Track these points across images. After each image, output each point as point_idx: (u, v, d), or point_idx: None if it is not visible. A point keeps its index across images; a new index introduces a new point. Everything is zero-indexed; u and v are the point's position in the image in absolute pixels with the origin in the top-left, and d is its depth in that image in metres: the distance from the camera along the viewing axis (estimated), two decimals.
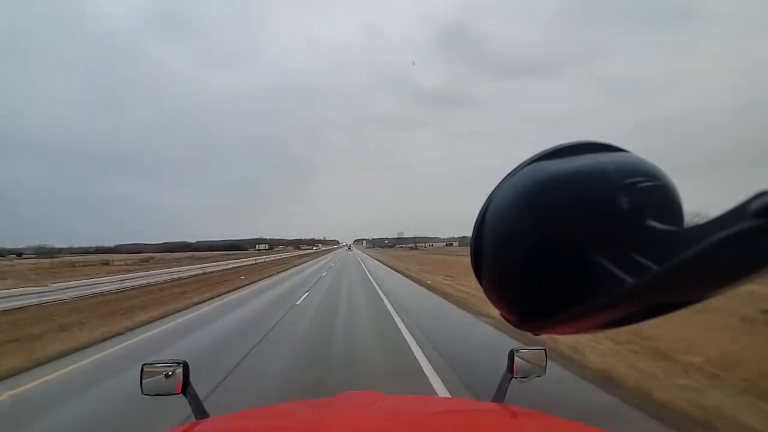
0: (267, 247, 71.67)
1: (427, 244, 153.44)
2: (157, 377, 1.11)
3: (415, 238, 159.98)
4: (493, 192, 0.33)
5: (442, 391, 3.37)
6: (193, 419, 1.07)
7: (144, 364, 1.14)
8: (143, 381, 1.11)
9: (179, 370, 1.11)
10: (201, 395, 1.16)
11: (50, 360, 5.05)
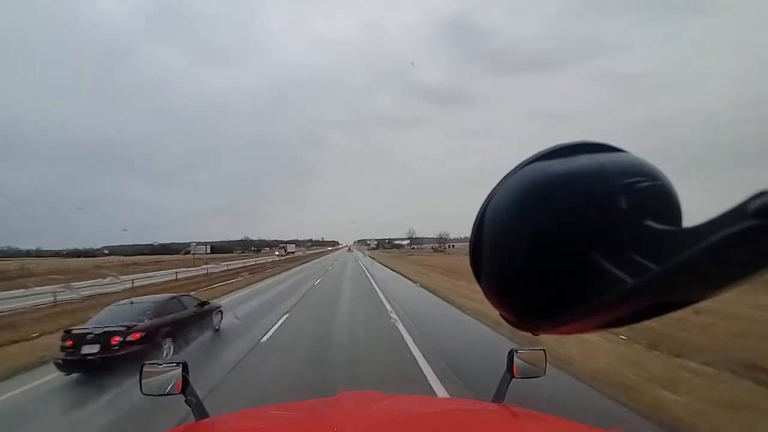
0: (206, 251, 47.55)
1: (449, 245, 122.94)
2: (157, 377, 1.12)
3: (441, 237, 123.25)
4: (492, 192, 0.33)
5: None
6: (192, 419, 1.09)
7: (144, 364, 1.15)
8: (143, 381, 1.12)
9: (179, 370, 1.12)
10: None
11: None
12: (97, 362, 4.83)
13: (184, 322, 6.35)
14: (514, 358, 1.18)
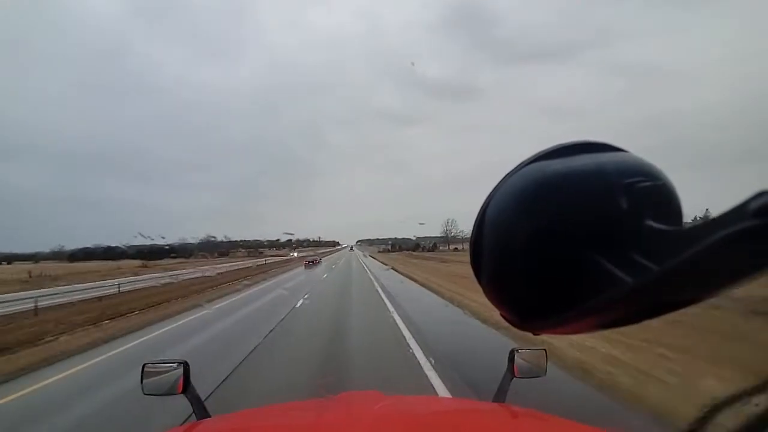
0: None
1: None
2: (158, 377, 1.17)
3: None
4: (492, 192, 0.34)
5: None
6: (194, 419, 1.12)
7: (145, 364, 1.19)
8: (144, 381, 1.16)
9: (180, 370, 1.16)
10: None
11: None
12: (311, 265, 34.13)
13: (318, 262, 36.54)
14: (515, 357, 1.22)
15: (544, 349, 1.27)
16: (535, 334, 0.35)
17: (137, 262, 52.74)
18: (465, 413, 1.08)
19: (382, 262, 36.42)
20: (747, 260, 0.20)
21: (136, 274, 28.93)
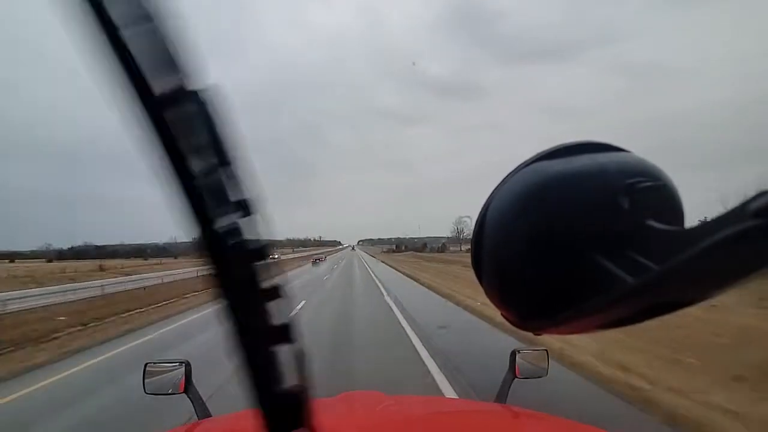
0: None
1: None
2: (159, 376, 1.18)
3: None
4: (493, 192, 0.34)
5: None
6: (195, 419, 1.13)
7: (147, 363, 1.20)
8: (146, 380, 1.18)
9: (182, 370, 1.17)
10: None
11: None
12: (318, 262, 40.01)
13: (323, 259, 43.47)
14: (516, 358, 1.23)
15: (546, 350, 1.28)
16: (536, 334, 0.35)
17: (100, 263, 52.15)
18: (467, 414, 1.08)
19: (392, 267, 30.36)
20: (747, 260, 0.20)
21: (73, 280, 22.90)
